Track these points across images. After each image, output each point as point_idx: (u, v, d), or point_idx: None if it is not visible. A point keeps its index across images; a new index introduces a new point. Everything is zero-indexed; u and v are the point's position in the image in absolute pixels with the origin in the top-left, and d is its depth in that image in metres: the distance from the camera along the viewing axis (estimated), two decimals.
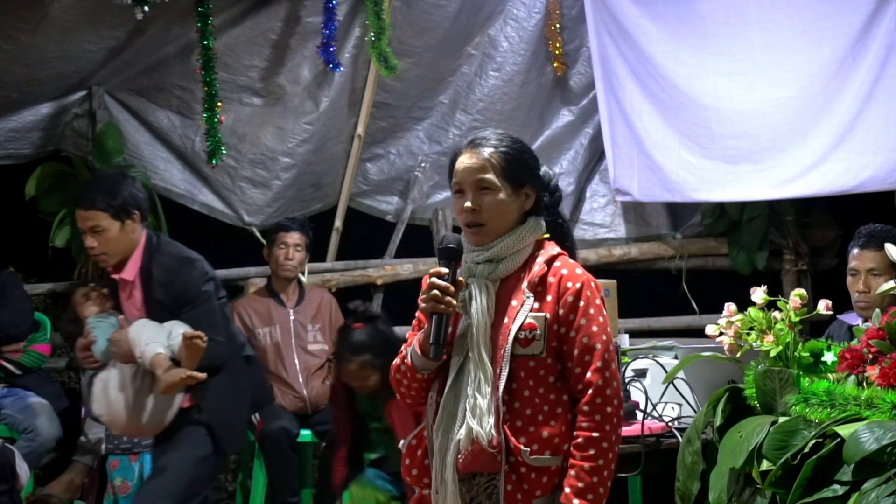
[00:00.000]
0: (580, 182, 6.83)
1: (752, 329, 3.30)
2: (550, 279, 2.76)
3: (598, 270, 6.16)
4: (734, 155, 5.78)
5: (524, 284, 2.76)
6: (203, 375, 3.94)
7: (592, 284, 2.78)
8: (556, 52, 6.44)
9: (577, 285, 2.74)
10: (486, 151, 2.81)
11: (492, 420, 2.68)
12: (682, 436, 3.36)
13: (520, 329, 2.71)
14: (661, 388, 3.59)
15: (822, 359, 3.25)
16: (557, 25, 6.40)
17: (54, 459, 5.59)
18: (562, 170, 6.78)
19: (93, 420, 5.31)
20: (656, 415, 3.53)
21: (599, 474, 2.67)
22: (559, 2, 6.36)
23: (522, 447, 2.68)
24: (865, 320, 4.08)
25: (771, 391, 3.10)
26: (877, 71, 5.25)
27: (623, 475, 3.56)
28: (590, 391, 2.69)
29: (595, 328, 2.72)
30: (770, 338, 3.23)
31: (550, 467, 2.71)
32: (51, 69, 5.69)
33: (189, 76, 5.96)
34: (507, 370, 2.70)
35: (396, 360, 2.86)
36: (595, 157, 6.78)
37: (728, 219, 6.51)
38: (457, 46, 6.37)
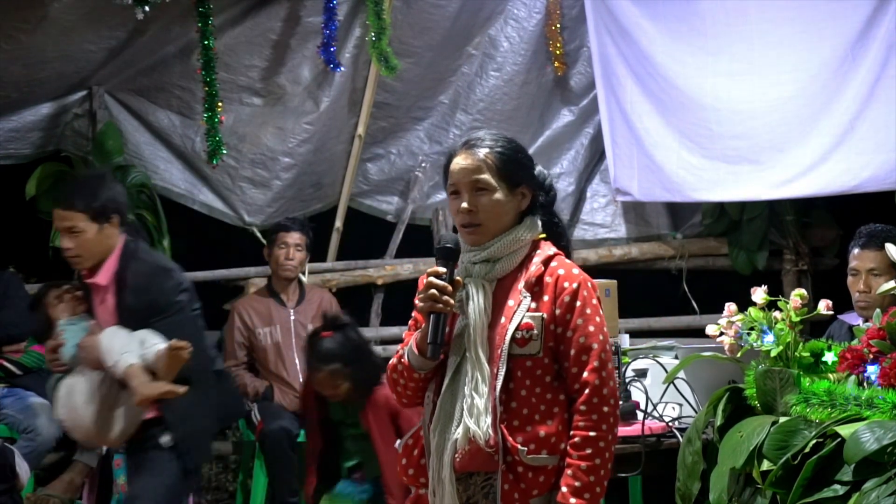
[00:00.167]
0: (580, 182, 6.83)
1: (752, 329, 3.30)
2: (547, 279, 2.77)
3: (598, 270, 6.19)
4: (734, 155, 5.78)
5: (521, 284, 2.77)
6: (183, 389, 3.85)
7: (589, 284, 2.79)
8: (557, 52, 6.45)
9: (574, 285, 2.75)
10: (482, 152, 2.81)
11: (489, 419, 2.69)
12: (682, 436, 3.36)
13: (517, 329, 2.72)
14: (661, 388, 3.59)
15: (823, 359, 3.25)
16: (558, 25, 6.40)
17: (54, 459, 5.58)
18: (562, 170, 6.78)
19: None
20: (657, 415, 3.53)
21: (596, 473, 2.68)
22: (559, 2, 6.36)
23: (520, 446, 2.69)
24: (866, 320, 4.08)
25: (771, 391, 3.11)
26: (877, 71, 5.25)
27: (623, 475, 3.57)
28: (586, 391, 2.70)
29: (592, 328, 2.73)
30: (770, 337, 3.23)
31: (547, 466, 2.72)
32: (51, 69, 5.69)
33: (189, 76, 5.96)
34: (504, 370, 2.71)
35: (393, 360, 2.87)
36: (595, 157, 6.78)
37: (728, 219, 6.51)
38: (457, 46, 6.38)
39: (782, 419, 3.00)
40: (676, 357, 3.86)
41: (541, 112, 6.67)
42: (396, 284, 6.39)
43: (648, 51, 6.02)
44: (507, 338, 2.71)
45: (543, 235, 2.87)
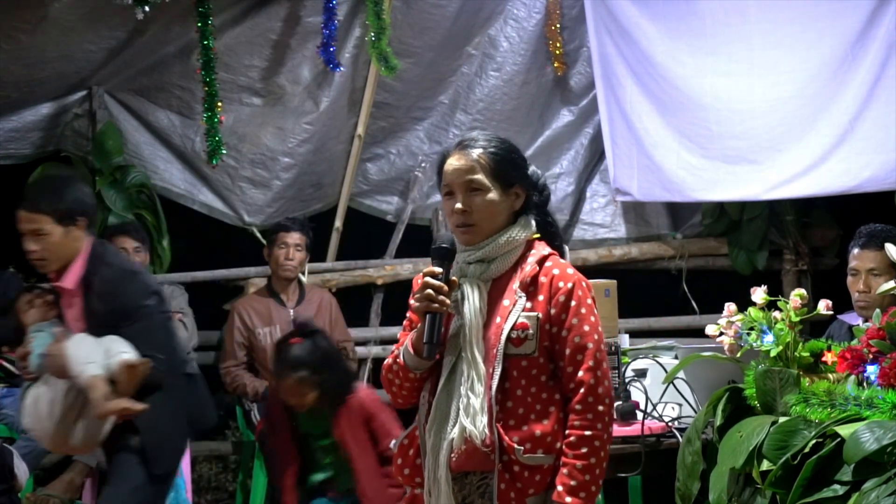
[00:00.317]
0: (580, 182, 6.83)
1: (752, 329, 3.30)
2: (542, 279, 2.78)
3: (598, 270, 6.19)
4: (734, 155, 5.78)
5: (516, 284, 2.78)
6: (142, 407, 3.79)
7: (584, 284, 2.80)
8: (557, 52, 6.44)
9: (569, 285, 2.76)
10: (475, 153, 2.82)
11: (485, 419, 2.70)
12: (682, 436, 3.36)
13: (512, 328, 2.73)
14: (661, 388, 3.59)
15: (823, 359, 3.25)
16: (557, 25, 6.40)
17: (55, 460, 5.58)
18: (562, 170, 6.78)
19: None
20: (656, 415, 3.53)
21: (591, 472, 2.69)
22: (559, 2, 6.36)
23: (516, 446, 2.70)
24: (866, 320, 4.08)
25: (771, 391, 3.11)
26: (877, 71, 5.25)
27: (623, 475, 3.56)
28: (582, 390, 2.71)
29: (587, 327, 2.74)
30: (770, 338, 3.23)
31: (543, 466, 2.72)
32: (51, 69, 5.69)
33: (189, 76, 5.96)
34: (499, 369, 2.72)
35: (388, 360, 2.88)
36: (595, 157, 6.78)
37: (728, 219, 6.51)
38: (457, 46, 6.38)
39: (782, 419, 3.00)
40: (676, 357, 3.85)
41: (540, 112, 6.67)
42: (396, 284, 6.39)
43: (648, 51, 6.02)
44: (503, 337, 2.72)
45: (538, 235, 2.88)
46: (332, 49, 5.94)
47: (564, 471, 2.69)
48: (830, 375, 3.16)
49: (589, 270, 6.20)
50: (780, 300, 3.30)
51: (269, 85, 6.17)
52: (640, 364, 3.74)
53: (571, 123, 6.73)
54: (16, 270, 5.67)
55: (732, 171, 5.79)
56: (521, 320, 2.74)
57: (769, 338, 3.23)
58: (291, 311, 5.83)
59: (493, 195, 2.80)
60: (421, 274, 2.79)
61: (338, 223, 6.51)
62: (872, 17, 5.26)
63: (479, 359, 2.73)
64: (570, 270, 2.81)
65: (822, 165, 5.44)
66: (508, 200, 2.83)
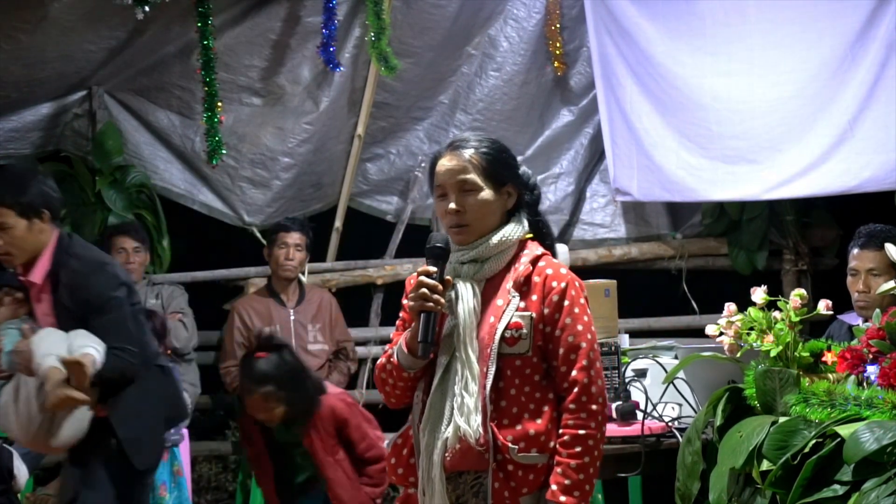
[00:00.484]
0: (580, 182, 6.83)
1: (752, 329, 3.30)
2: (535, 278, 2.79)
3: (598, 270, 6.19)
4: (733, 155, 5.78)
5: (509, 284, 2.80)
6: (84, 398, 3.72)
7: (577, 284, 2.82)
8: (557, 52, 6.44)
9: (562, 285, 2.78)
10: (467, 153, 2.84)
11: (479, 418, 2.71)
12: (682, 436, 3.36)
13: (506, 328, 2.75)
14: (661, 388, 3.59)
15: (823, 359, 3.25)
16: (557, 25, 6.40)
17: (55, 460, 5.58)
18: (562, 170, 6.78)
19: None
20: (656, 415, 3.53)
21: (585, 471, 2.71)
22: (559, 2, 6.36)
23: (510, 445, 2.72)
24: (865, 320, 4.08)
25: (771, 391, 3.10)
26: (876, 71, 5.25)
27: (623, 475, 3.56)
28: (575, 389, 2.73)
29: (580, 327, 2.76)
30: (770, 338, 3.23)
31: (537, 465, 2.74)
32: (51, 69, 5.69)
33: (189, 76, 5.97)
34: (493, 368, 2.73)
35: (381, 360, 2.89)
36: (595, 157, 6.78)
37: (728, 219, 6.51)
38: (457, 46, 6.38)
39: (782, 419, 3.00)
40: (676, 357, 3.85)
41: (540, 112, 6.66)
42: (396, 284, 6.39)
43: (648, 51, 6.02)
44: (497, 337, 2.74)
45: (530, 235, 2.90)
46: (332, 49, 5.94)
47: (558, 470, 2.71)
48: (830, 375, 3.16)
49: (589, 270, 6.22)
50: (780, 300, 3.29)
51: (269, 85, 6.17)
52: (640, 364, 3.73)
53: (571, 123, 6.73)
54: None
55: (732, 171, 5.79)
56: (514, 320, 2.75)
57: (769, 338, 3.23)
58: (291, 311, 5.83)
59: (485, 195, 2.82)
60: (414, 274, 2.81)
61: (338, 223, 6.51)
62: (872, 18, 5.26)
63: (474, 358, 2.74)
64: (564, 270, 2.83)
65: (822, 165, 5.43)
66: (501, 200, 2.85)
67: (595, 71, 6.29)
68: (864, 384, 3.05)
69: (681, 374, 3.60)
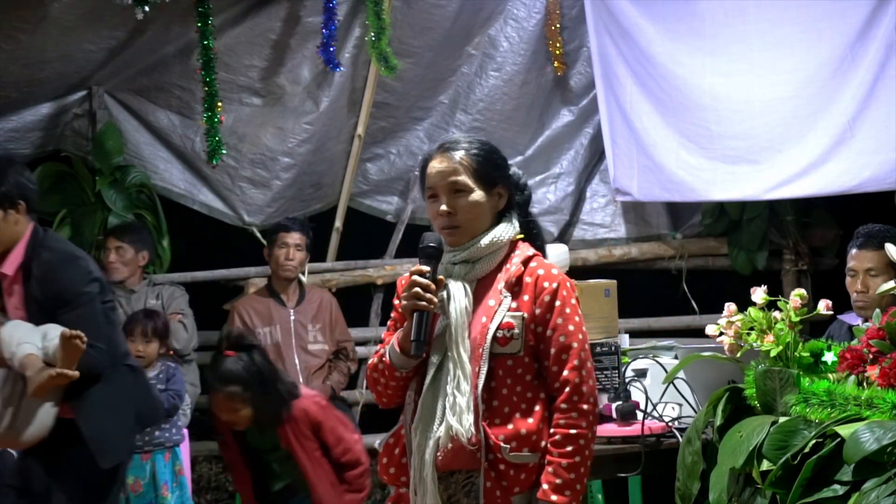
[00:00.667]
0: (580, 182, 6.83)
1: (752, 329, 3.30)
2: (527, 279, 2.81)
3: (598, 270, 6.19)
4: (733, 155, 5.78)
5: (501, 284, 2.82)
6: (76, 374, 3.64)
7: (568, 284, 2.84)
8: (557, 52, 6.44)
9: (554, 285, 2.80)
10: (457, 155, 2.86)
11: (471, 417, 2.72)
12: (682, 436, 3.36)
13: (498, 328, 2.76)
14: (661, 388, 3.59)
15: (823, 359, 3.25)
16: (557, 25, 6.40)
17: None
18: (562, 170, 6.78)
19: None
20: (656, 415, 3.53)
21: (576, 471, 2.72)
22: (559, 2, 6.36)
23: (502, 444, 2.73)
24: (865, 320, 4.08)
25: (771, 391, 3.10)
26: (876, 71, 5.24)
27: (623, 475, 3.56)
28: (567, 389, 2.75)
29: (571, 327, 2.78)
30: (770, 338, 3.23)
31: (529, 464, 2.76)
32: (51, 69, 5.69)
33: (189, 76, 5.97)
34: (485, 368, 2.75)
35: (373, 360, 2.90)
36: (595, 157, 6.78)
37: (728, 219, 6.51)
38: (457, 46, 6.38)
39: (782, 419, 3.00)
40: (676, 357, 3.85)
41: (540, 112, 6.67)
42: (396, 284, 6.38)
43: (648, 51, 6.02)
44: (489, 337, 2.76)
45: (521, 236, 2.91)
46: (332, 49, 5.94)
47: (550, 469, 2.73)
48: (830, 375, 3.16)
49: (589, 270, 6.22)
50: (780, 300, 3.30)
51: (269, 85, 6.17)
52: (640, 364, 3.73)
53: (571, 123, 6.73)
54: None
55: (732, 171, 5.79)
56: (506, 320, 2.77)
57: (769, 338, 3.23)
58: (291, 311, 5.83)
59: (476, 196, 2.84)
60: (405, 275, 2.84)
61: (338, 223, 6.51)
62: (871, 18, 5.26)
63: (466, 358, 2.76)
64: (555, 271, 2.85)
65: (822, 165, 5.43)
66: (492, 201, 2.87)
67: (595, 71, 6.29)
68: (864, 384, 3.05)
69: (681, 374, 3.60)
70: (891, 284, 3.55)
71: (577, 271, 5.31)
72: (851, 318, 4.37)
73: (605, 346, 3.65)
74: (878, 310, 3.33)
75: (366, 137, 6.41)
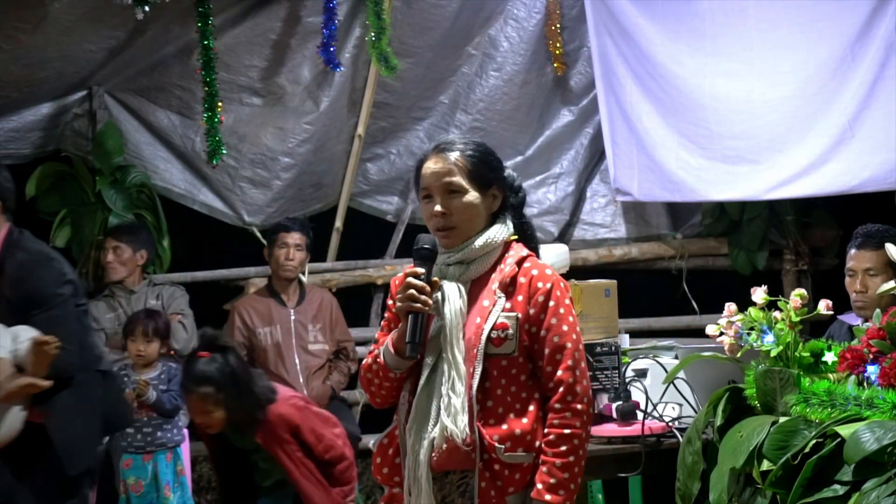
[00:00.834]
0: (580, 182, 6.83)
1: (752, 329, 3.30)
2: (521, 279, 2.82)
3: (598, 270, 6.19)
4: (733, 155, 5.78)
5: (495, 285, 2.82)
6: (48, 383, 3.60)
7: (562, 284, 2.84)
8: (557, 52, 6.44)
9: (548, 285, 2.80)
10: (452, 156, 2.86)
11: (465, 418, 2.73)
12: (682, 436, 3.36)
13: (492, 328, 2.77)
14: (661, 388, 3.59)
15: (823, 359, 3.25)
16: (558, 25, 6.40)
17: None
18: (562, 170, 6.78)
19: None
20: (657, 415, 3.53)
21: (571, 470, 2.73)
22: (559, 2, 6.36)
23: (496, 444, 2.73)
24: (865, 320, 4.08)
25: (771, 391, 3.11)
26: (876, 71, 5.24)
27: (623, 475, 3.56)
28: (561, 389, 2.76)
29: (565, 327, 2.79)
30: (770, 338, 3.23)
31: (523, 464, 2.76)
32: (51, 69, 5.69)
33: (189, 76, 5.96)
34: (480, 369, 2.75)
35: (367, 360, 2.91)
36: (595, 157, 6.79)
37: (728, 219, 6.51)
38: (457, 46, 6.38)
39: (782, 419, 3.00)
40: (676, 357, 3.85)
41: (541, 112, 6.67)
42: None
43: (648, 51, 6.02)
44: (483, 337, 2.76)
45: (515, 237, 2.92)
46: (332, 49, 5.94)
47: (544, 469, 2.73)
48: (831, 375, 3.16)
49: (589, 270, 6.22)
50: (780, 300, 3.30)
51: (269, 85, 6.17)
52: (640, 364, 3.73)
53: (571, 123, 6.73)
54: None
55: (732, 171, 5.79)
56: (501, 320, 2.78)
57: (769, 338, 3.23)
58: (292, 311, 5.83)
59: (471, 197, 2.84)
60: (399, 275, 2.84)
61: (338, 223, 6.51)
62: (872, 18, 5.26)
63: (460, 358, 2.76)
64: (549, 271, 2.85)
65: (822, 165, 5.43)
66: (486, 202, 2.87)
67: (595, 71, 6.29)
68: (865, 384, 3.05)
69: (681, 374, 3.60)
70: (891, 284, 3.55)
71: (578, 271, 5.31)
72: (851, 318, 4.37)
73: (605, 346, 3.65)
74: (878, 310, 3.33)
75: (366, 137, 6.41)
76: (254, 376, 4.30)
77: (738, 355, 3.37)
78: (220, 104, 5.79)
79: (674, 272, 6.64)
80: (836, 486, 2.75)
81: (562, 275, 3.60)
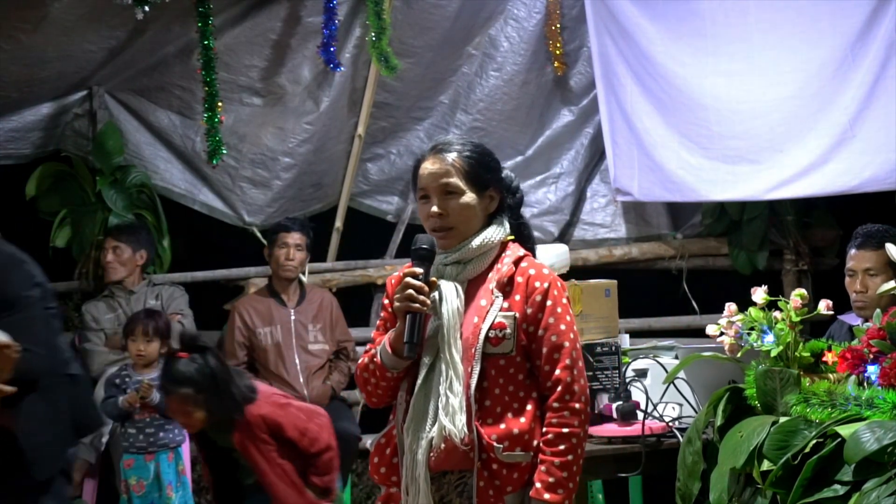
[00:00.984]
0: (581, 182, 6.83)
1: (752, 329, 3.30)
2: (518, 279, 2.82)
3: (598, 270, 6.19)
4: (734, 155, 5.78)
5: (492, 284, 2.82)
6: (12, 389, 3.51)
7: (559, 284, 2.84)
8: (557, 52, 6.44)
9: (545, 285, 2.80)
10: (450, 157, 2.86)
11: (464, 418, 2.73)
12: (682, 436, 3.36)
13: (490, 328, 2.77)
14: (661, 388, 3.59)
15: (823, 359, 3.25)
16: (558, 25, 6.40)
17: None
18: (562, 170, 6.78)
19: None
20: (657, 415, 3.53)
21: (569, 469, 2.73)
22: (559, 2, 6.36)
23: (495, 444, 2.73)
24: (865, 320, 4.08)
25: (771, 391, 3.11)
26: (877, 71, 5.24)
27: (623, 475, 3.56)
28: (559, 388, 2.76)
29: (563, 326, 2.79)
30: (770, 338, 3.23)
31: (521, 463, 2.76)
32: (51, 69, 5.69)
33: (189, 76, 5.96)
34: (478, 368, 2.75)
35: (364, 360, 2.90)
36: (595, 156, 6.78)
37: (728, 219, 6.51)
38: (457, 46, 6.38)
39: (782, 419, 3.00)
40: (676, 357, 3.85)
41: (541, 112, 6.67)
42: None
43: (648, 51, 6.02)
44: (481, 337, 2.76)
45: (512, 237, 2.92)
46: (332, 49, 5.94)
47: (542, 468, 2.73)
48: (831, 375, 3.16)
49: (589, 270, 6.22)
50: (780, 300, 3.30)
51: (269, 85, 6.17)
52: (640, 364, 3.73)
53: (571, 123, 6.73)
54: None
55: (733, 171, 5.79)
56: (498, 320, 2.78)
57: (770, 338, 3.23)
58: (292, 311, 5.83)
59: (468, 198, 2.84)
60: (394, 275, 2.85)
61: (338, 223, 6.51)
62: (872, 17, 5.26)
63: (458, 358, 2.76)
64: (546, 270, 2.85)
65: (823, 165, 5.43)
66: (483, 203, 2.87)
67: (595, 71, 6.29)
68: (865, 384, 3.05)
69: (681, 374, 3.60)
70: (891, 284, 3.55)
71: (578, 271, 5.31)
72: (851, 319, 4.37)
73: (605, 346, 3.65)
74: (878, 310, 3.33)
75: (366, 137, 6.41)
76: (234, 376, 4.27)
77: (739, 355, 3.37)
78: (220, 104, 5.79)
79: (674, 272, 6.64)
80: (837, 486, 2.75)
81: (562, 275, 3.62)
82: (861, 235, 4.37)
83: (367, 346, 2.93)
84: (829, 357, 3.23)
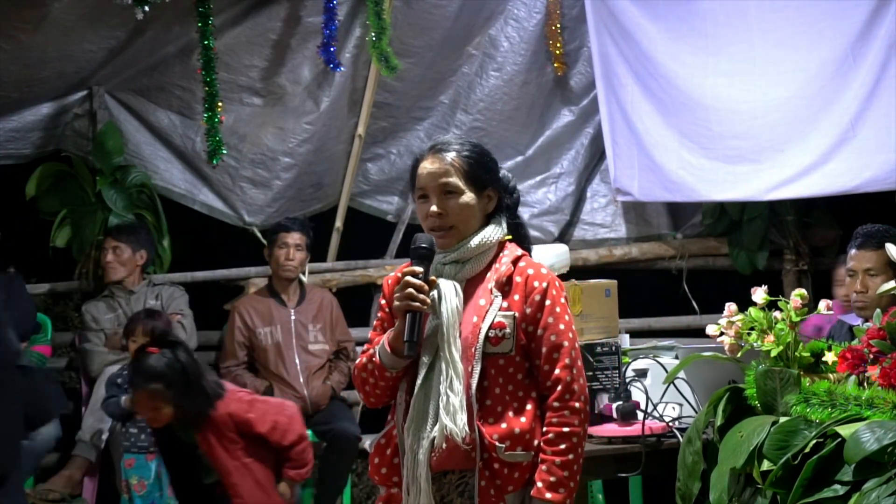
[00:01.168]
0: (581, 182, 6.83)
1: (752, 329, 3.30)
2: (517, 279, 2.83)
3: (598, 270, 6.19)
4: (734, 155, 5.78)
5: (491, 284, 2.83)
6: None
7: (557, 283, 2.85)
8: (557, 52, 6.44)
9: (544, 284, 2.81)
10: (449, 156, 2.87)
11: (465, 417, 2.73)
12: (682, 436, 3.36)
13: (490, 328, 2.77)
14: (661, 388, 3.59)
15: (823, 359, 3.25)
16: (558, 25, 6.40)
17: (55, 459, 5.59)
18: (562, 170, 6.78)
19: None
20: (657, 415, 3.53)
21: (570, 468, 2.74)
22: (560, 2, 6.36)
23: (497, 443, 2.74)
24: (865, 320, 4.08)
25: (772, 391, 3.11)
26: (877, 71, 5.25)
27: (624, 475, 3.56)
28: (559, 387, 2.77)
29: (562, 326, 2.79)
30: (771, 338, 3.23)
31: (522, 463, 2.77)
32: (51, 69, 5.69)
33: (189, 76, 5.96)
34: (478, 368, 2.76)
35: (362, 360, 2.90)
36: (596, 157, 6.78)
37: (728, 219, 6.51)
38: (457, 46, 6.37)
39: (782, 419, 3.00)
40: (677, 357, 3.85)
41: (541, 112, 6.67)
42: None
43: (648, 51, 6.02)
44: (481, 336, 2.76)
45: (510, 237, 2.92)
46: (332, 49, 5.94)
47: (543, 467, 2.74)
48: (831, 375, 3.16)
49: (589, 270, 6.22)
50: (780, 300, 3.30)
51: (269, 85, 6.16)
52: (640, 364, 3.73)
53: (571, 123, 6.73)
54: (16, 271, 5.69)
55: (733, 171, 5.79)
56: (498, 319, 2.78)
57: (770, 338, 3.23)
58: (292, 311, 5.83)
59: (466, 198, 2.85)
60: (391, 275, 2.85)
61: (338, 223, 6.51)
62: (872, 18, 5.26)
63: (458, 357, 2.76)
64: (544, 270, 2.86)
65: (823, 165, 5.43)
66: (482, 203, 2.88)
67: (595, 71, 6.29)
68: (865, 384, 3.05)
69: (681, 374, 3.60)
70: (891, 284, 3.55)
71: (578, 271, 5.31)
72: (851, 318, 4.37)
73: (605, 346, 3.65)
74: (878, 310, 3.33)
75: (366, 137, 6.41)
76: (203, 372, 4.25)
77: (739, 355, 3.37)
78: (220, 104, 5.78)
79: (674, 272, 6.64)
80: (837, 486, 2.75)
81: (562, 275, 3.62)
82: (861, 235, 4.37)
83: (365, 347, 2.93)
84: (829, 357, 3.23)
